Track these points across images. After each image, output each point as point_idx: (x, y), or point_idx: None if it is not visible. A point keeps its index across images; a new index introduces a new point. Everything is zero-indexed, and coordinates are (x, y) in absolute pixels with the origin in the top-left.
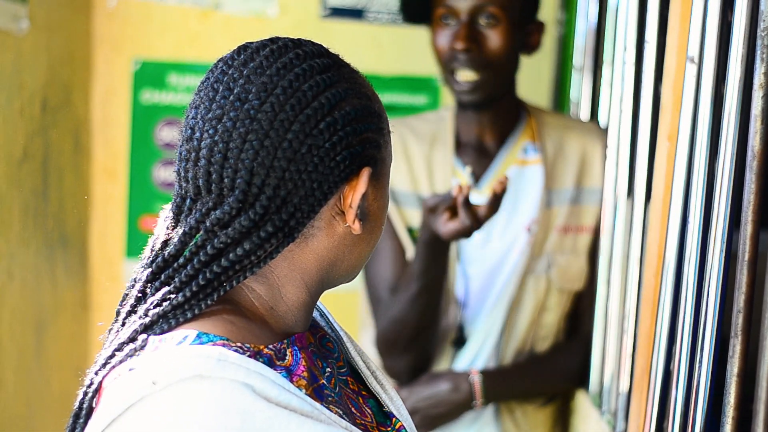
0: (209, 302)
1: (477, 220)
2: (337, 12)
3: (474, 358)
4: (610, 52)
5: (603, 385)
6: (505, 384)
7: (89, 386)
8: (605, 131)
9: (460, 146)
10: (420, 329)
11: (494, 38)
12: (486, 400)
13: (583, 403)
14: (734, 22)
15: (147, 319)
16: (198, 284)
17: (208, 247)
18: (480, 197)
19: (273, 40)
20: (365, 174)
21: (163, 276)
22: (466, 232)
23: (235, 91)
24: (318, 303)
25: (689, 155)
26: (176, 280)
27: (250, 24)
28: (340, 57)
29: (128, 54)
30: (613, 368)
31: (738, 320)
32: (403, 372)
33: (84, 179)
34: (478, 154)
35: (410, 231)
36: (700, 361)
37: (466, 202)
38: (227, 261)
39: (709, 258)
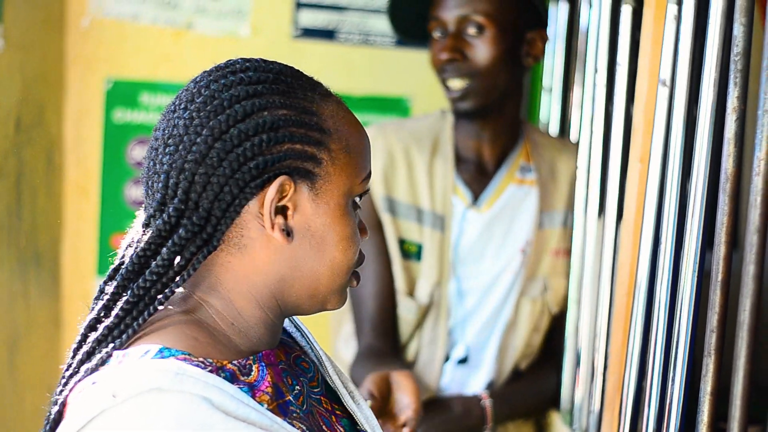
0: (145, 318)
1: None
2: (309, 32)
3: (474, 378)
4: (581, 73)
5: (574, 404)
6: (510, 406)
7: (56, 401)
8: None
9: (459, 162)
10: None
11: (481, 47)
12: (494, 423)
13: (554, 421)
14: (707, 47)
15: (98, 334)
16: (126, 302)
17: (134, 259)
18: (477, 216)
19: (236, 60)
20: (276, 182)
21: (113, 290)
22: None
23: (181, 105)
24: (300, 324)
25: (661, 177)
26: (121, 295)
27: (222, 44)
28: (299, 75)
29: (101, 73)
30: (584, 386)
31: (711, 340)
32: None
33: (57, 197)
34: (477, 171)
35: (402, 242)
36: (673, 380)
37: None
38: (150, 273)
39: (681, 278)
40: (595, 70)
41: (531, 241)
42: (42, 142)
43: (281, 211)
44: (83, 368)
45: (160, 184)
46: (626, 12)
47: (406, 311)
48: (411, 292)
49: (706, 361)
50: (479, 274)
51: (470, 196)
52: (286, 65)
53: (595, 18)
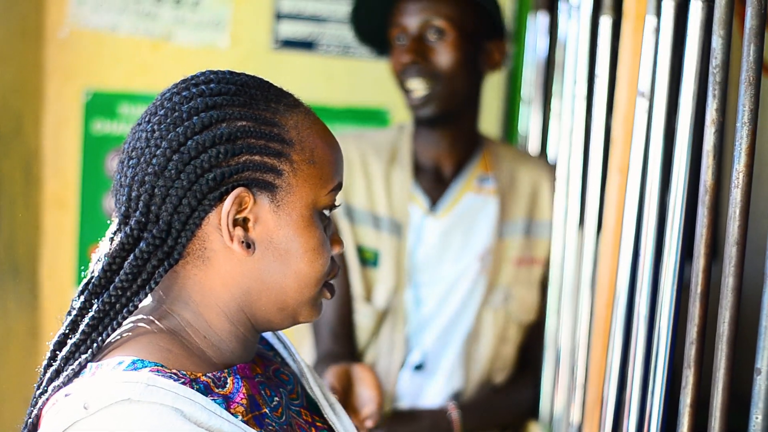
0: (109, 333)
1: None
2: (289, 44)
3: (431, 386)
4: (560, 85)
5: (554, 416)
6: (479, 417)
7: (30, 413)
8: (554, 166)
9: (417, 171)
10: None
11: (442, 51)
12: None
13: None
14: (686, 59)
15: (65, 351)
16: (92, 317)
17: (101, 273)
18: (435, 223)
19: (204, 72)
20: (233, 194)
21: (80, 305)
22: None
23: (146, 118)
24: (282, 336)
25: (641, 188)
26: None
27: (201, 55)
28: (265, 86)
29: (80, 84)
30: (564, 399)
31: (691, 352)
32: None
33: (35, 209)
34: (435, 179)
35: (360, 249)
36: (653, 392)
37: None
38: (114, 288)
39: (661, 290)
40: (575, 82)
41: (491, 249)
42: (20, 153)
43: (242, 223)
44: (51, 386)
45: (123, 197)
46: (605, 24)
47: (363, 317)
48: (368, 298)
49: (685, 373)
50: (436, 281)
51: (428, 203)
52: (253, 77)
53: (574, 29)
